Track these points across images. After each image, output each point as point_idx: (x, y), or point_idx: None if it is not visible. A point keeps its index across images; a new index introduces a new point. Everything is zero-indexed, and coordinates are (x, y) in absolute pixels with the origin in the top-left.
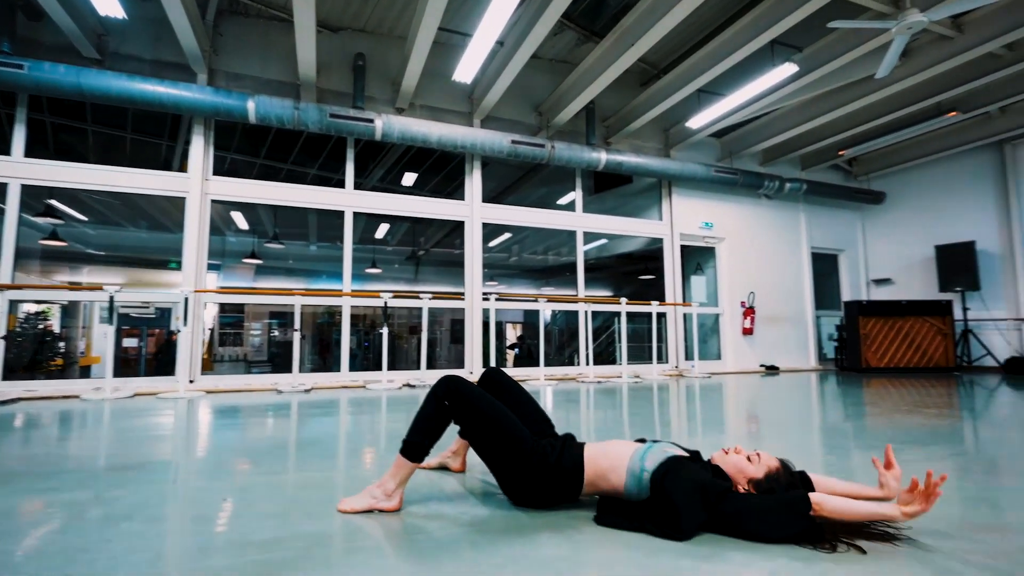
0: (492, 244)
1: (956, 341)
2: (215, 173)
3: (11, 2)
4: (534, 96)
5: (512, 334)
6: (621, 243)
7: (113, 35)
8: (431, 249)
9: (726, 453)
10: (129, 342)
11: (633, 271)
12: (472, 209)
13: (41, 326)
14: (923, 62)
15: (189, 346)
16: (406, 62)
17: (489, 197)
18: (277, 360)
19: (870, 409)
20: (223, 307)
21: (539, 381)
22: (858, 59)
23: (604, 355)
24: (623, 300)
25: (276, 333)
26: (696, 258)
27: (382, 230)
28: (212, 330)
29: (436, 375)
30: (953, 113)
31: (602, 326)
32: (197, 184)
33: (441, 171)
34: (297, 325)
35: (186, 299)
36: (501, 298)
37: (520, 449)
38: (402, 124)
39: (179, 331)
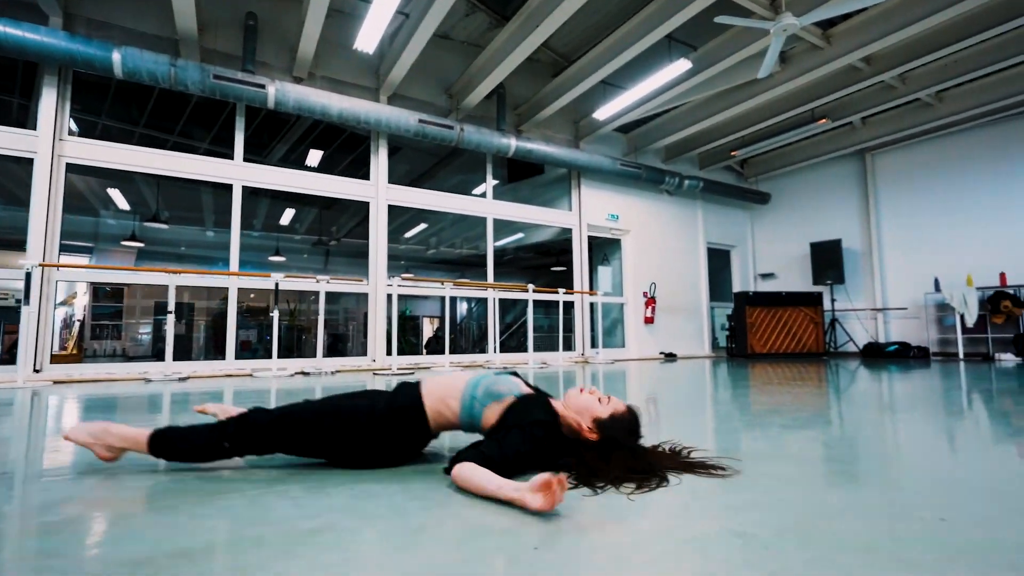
0: (408, 235)
1: (825, 329)
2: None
3: None
4: (446, 78)
5: (430, 328)
6: (536, 235)
7: None
8: (342, 239)
9: (581, 392)
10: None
11: (546, 264)
12: (377, 190)
13: None
14: (798, 69)
15: (34, 330)
16: (303, 26)
17: (403, 182)
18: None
19: (748, 389)
20: (96, 295)
21: (444, 368)
22: (745, 60)
23: (520, 347)
24: (530, 287)
25: (166, 328)
26: (603, 249)
27: (288, 216)
28: (81, 321)
29: (337, 363)
30: (823, 120)
31: (517, 319)
32: (47, 143)
33: (352, 152)
34: (171, 307)
35: (28, 275)
36: (406, 283)
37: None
38: (299, 93)
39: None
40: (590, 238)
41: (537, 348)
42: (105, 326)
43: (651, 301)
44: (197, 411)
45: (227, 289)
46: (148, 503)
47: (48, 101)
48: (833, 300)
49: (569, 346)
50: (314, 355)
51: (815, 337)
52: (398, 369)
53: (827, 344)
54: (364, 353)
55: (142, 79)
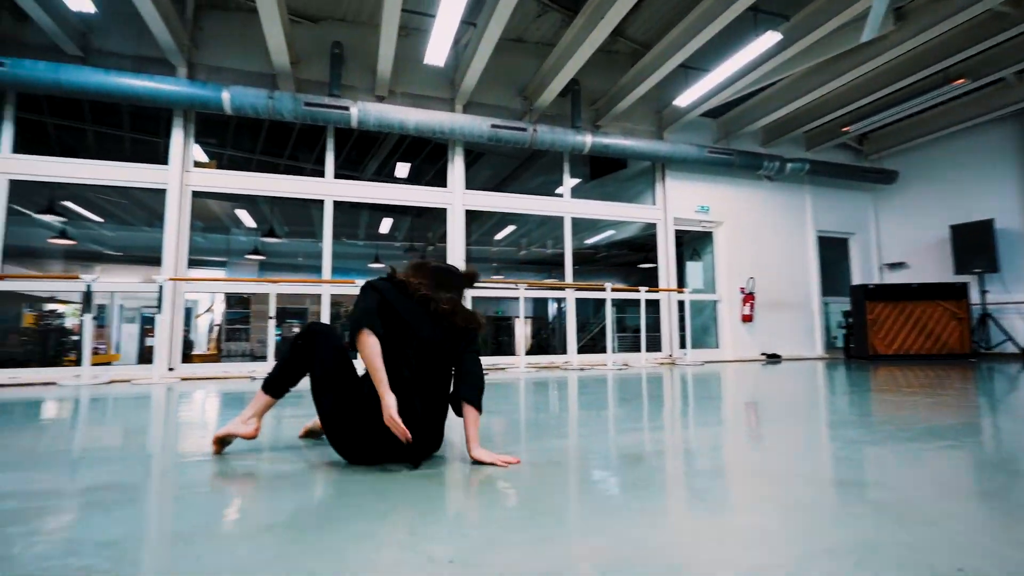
0: (498, 238)
1: (973, 326)
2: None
3: None
4: (520, 81)
5: (524, 328)
6: (624, 231)
7: (96, 33)
8: (436, 244)
9: None
10: (152, 341)
11: (636, 261)
12: (454, 196)
13: (58, 323)
14: (919, 25)
15: (168, 334)
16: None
17: (488, 187)
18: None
19: (867, 395)
20: (229, 302)
21: (518, 369)
22: (846, 25)
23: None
24: (608, 285)
25: (296, 330)
26: (693, 244)
27: (386, 225)
28: (219, 326)
29: None
30: (961, 80)
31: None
32: (176, 176)
33: (437, 161)
34: (272, 313)
35: (160, 288)
36: (478, 285)
37: (349, 394)
38: (378, 111)
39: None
40: (678, 232)
41: (632, 350)
42: (237, 329)
43: (749, 297)
44: (301, 437)
45: (320, 296)
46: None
47: (177, 139)
48: (983, 292)
49: (656, 347)
50: None
51: (958, 335)
52: None
53: (976, 344)
54: None
55: (247, 112)
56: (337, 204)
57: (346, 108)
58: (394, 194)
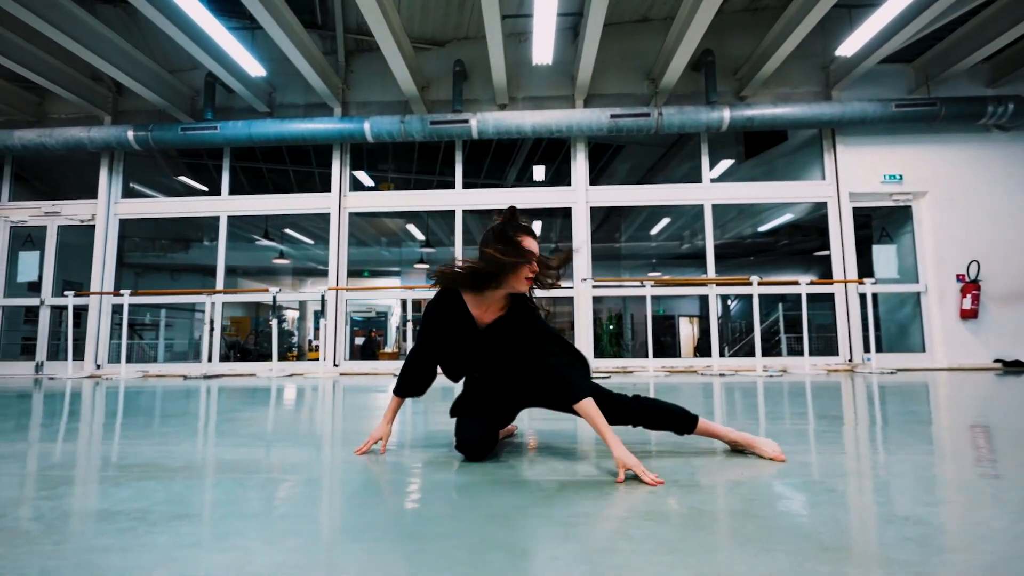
0: (654, 232)
1: None
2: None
3: (211, 82)
4: (645, 63)
5: (689, 327)
6: (799, 212)
7: (279, 90)
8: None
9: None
10: (358, 340)
11: (813, 247)
12: (577, 193)
13: (282, 327)
14: None
15: (333, 335)
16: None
17: (628, 180)
18: None
19: None
20: (405, 307)
21: (646, 372)
22: None
23: (795, 349)
24: (754, 279)
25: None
26: (883, 222)
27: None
28: (401, 328)
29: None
30: None
31: (782, 317)
32: (336, 200)
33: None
34: (410, 315)
35: (323, 296)
36: (599, 284)
37: None
38: (495, 119)
39: (324, 322)
40: (860, 211)
41: (816, 353)
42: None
43: (971, 287)
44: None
45: None
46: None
47: (335, 169)
48: None
49: (831, 350)
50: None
51: None
52: (593, 372)
53: None
54: None
55: (384, 138)
56: (472, 212)
57: (466, 121)
58: (520, 197)
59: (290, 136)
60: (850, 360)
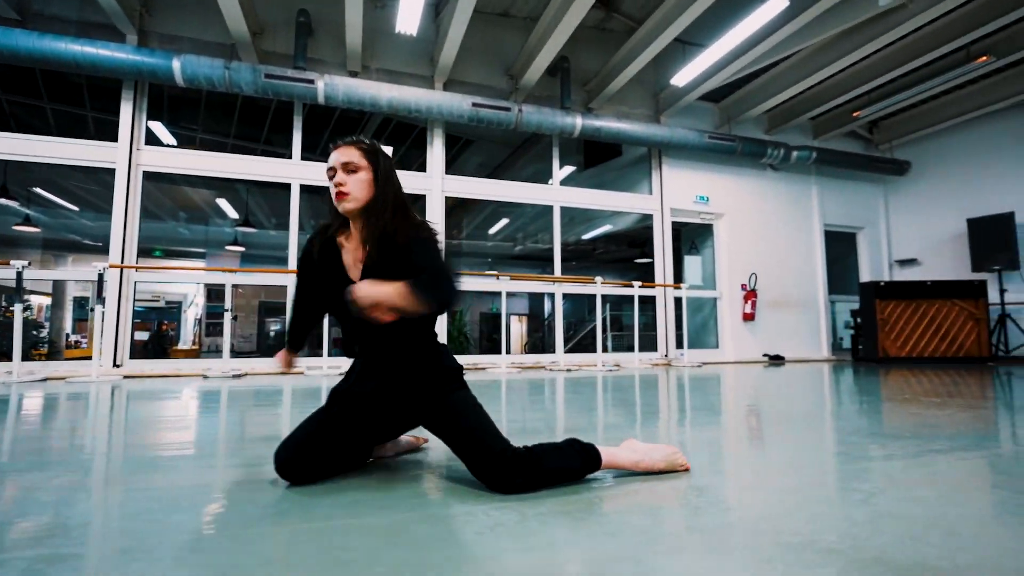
0: (492, 231)
1: (991, 328)
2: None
3: None
4: (506, 59)
5: (519, 325)
6: (621, 224)
7: None
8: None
9: None
10: (140, 335)
11: (632, 256)
12: (433, 181)
13: (29, 316)
14: None
15: (112, 327)
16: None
17: (480, 175)
18: (272, 351)
19: (860, 399)
20: (210, 295)
21: (499, 369)
22: None
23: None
24: (598, 279)
25: (279, 326)
26: (692, 237)
27: None
28: (199, 320)
29: None
30: (985, 58)
31: (608, 316)
32: (125, 153)
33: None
34: (228, 305)
35: (99, 275)
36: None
37: None
38: (347, 86)
39: (93, 310)
40: (676, 224)
41: (628, 349)
42: (218, 324)
43: (751, 295)
44: None
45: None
46: None
47: (126, 113)
48: (1003, 291)
49: (651, 346)
50: None
51: (975, 337)
52: None
53: (994, 347)
54: None
55: (201, 84)
56: (309, 190)
57: (311, 82)
58: None
59: (59, 57)
60: (666, 355)
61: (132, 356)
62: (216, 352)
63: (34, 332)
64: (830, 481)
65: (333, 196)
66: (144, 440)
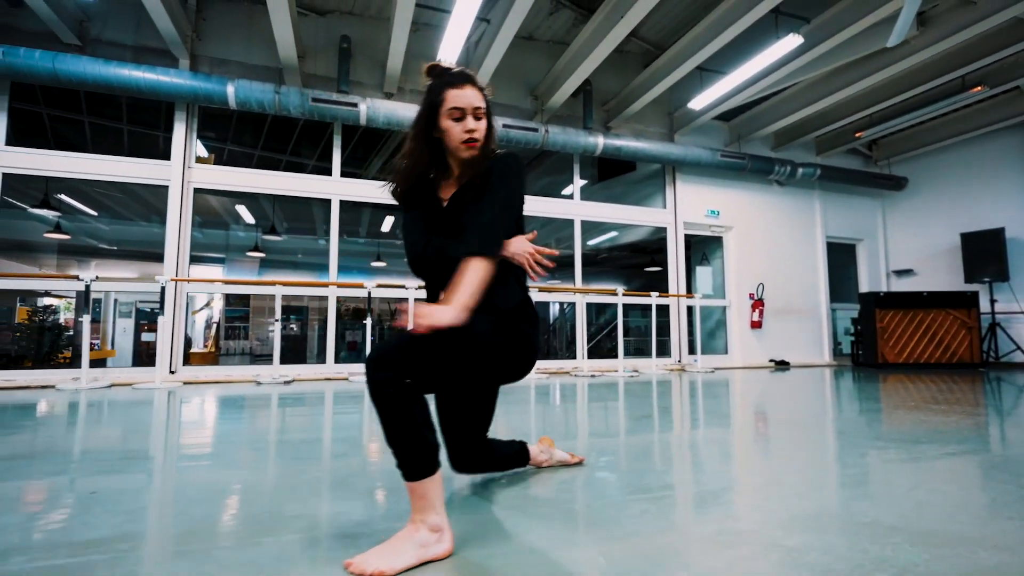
0: None
1: (983, 335)
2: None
3: None
4: (530, 80)
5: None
6: (629, 233)
7: (95, 21)
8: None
9: None
10: (147, 336)
11: (641, 263)
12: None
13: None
14: (942, 31)
15: (169, 336)
16: (390, 43)
17: None
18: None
19: (871, 405)
20: (228, 300)
21: (528, 374)
22: (870, 29)
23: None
24: (620, 290)
25: (294, 327)
26: (703, 248)
27: (388, 223)
28: (217, 323)
29: None
30: (979, 88)
31: (610, 321)
32: (178, 172)
33: None
34: (278, 315)
35: (163, 288)
36: None
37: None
38: (388, 108)
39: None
40: (687, 237)
41: (636, 353)
42: (236, 328)
43: (758, 303)
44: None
45: (326, 298)
46: None
47: (178, 134)
48: (993, 301)
49: (665, 352)
50: None
51: (968, 345)
52: None
53: (985, 353)
54: None
55: (252, 108)
56: (342, 203)
57: (355, 105)
58: None
59: (120, 83)
60: (679, 361)
61: (135, 358)
62: (230, 356)
63: (59, 337)
64: (876, 478)
65: (459, 139)
66: (326, 437)
